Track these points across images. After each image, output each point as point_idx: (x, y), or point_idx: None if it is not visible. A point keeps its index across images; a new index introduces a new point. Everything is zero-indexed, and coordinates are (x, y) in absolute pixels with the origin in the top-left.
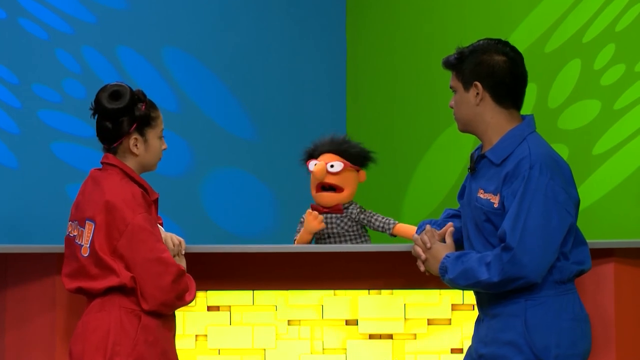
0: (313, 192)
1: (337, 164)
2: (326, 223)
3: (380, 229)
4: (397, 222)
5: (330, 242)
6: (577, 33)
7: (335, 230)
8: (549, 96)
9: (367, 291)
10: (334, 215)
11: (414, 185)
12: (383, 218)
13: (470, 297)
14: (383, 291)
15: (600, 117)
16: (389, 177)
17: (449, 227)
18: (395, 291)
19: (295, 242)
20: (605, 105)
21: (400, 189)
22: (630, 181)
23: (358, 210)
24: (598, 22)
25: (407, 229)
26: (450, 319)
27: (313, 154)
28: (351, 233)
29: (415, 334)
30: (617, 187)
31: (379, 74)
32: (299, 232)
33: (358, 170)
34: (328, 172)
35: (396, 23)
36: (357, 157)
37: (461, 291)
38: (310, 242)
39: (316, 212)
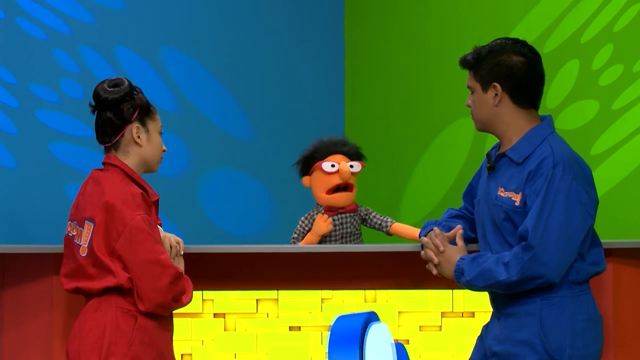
0: (322, 194)
1: (356, 164)
2: (341, 223)
3: (377, 226)
4: (394, 221)
5: (344, 242)
6: (575, 33)
7: (349, 230)
8: (547, 96)
9: (362, 299)
10: (348, 214)
11: (412, 186)
12: (380, 216)
13: (459, 304)
14: (378, 299)
15: (598, 118)
16: (387, 177)
17: (459, 230)
18: (389, 299)
19: (301, 244)
20: (604, 105)
21: (398, 189)
22: (629, 181)
23: (362, 208)
24: (596, 23)
25: (403, 228)
26: (440, 326)
27: (317, 157)
28: (359, 231)
29: (408, 340)
30: (615, 187)
31: (377, 75)
32: (300, 233)
33: None
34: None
35: (394, 24)
36: (360, 155)
37: (450, 299)
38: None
39: (326, 215)
